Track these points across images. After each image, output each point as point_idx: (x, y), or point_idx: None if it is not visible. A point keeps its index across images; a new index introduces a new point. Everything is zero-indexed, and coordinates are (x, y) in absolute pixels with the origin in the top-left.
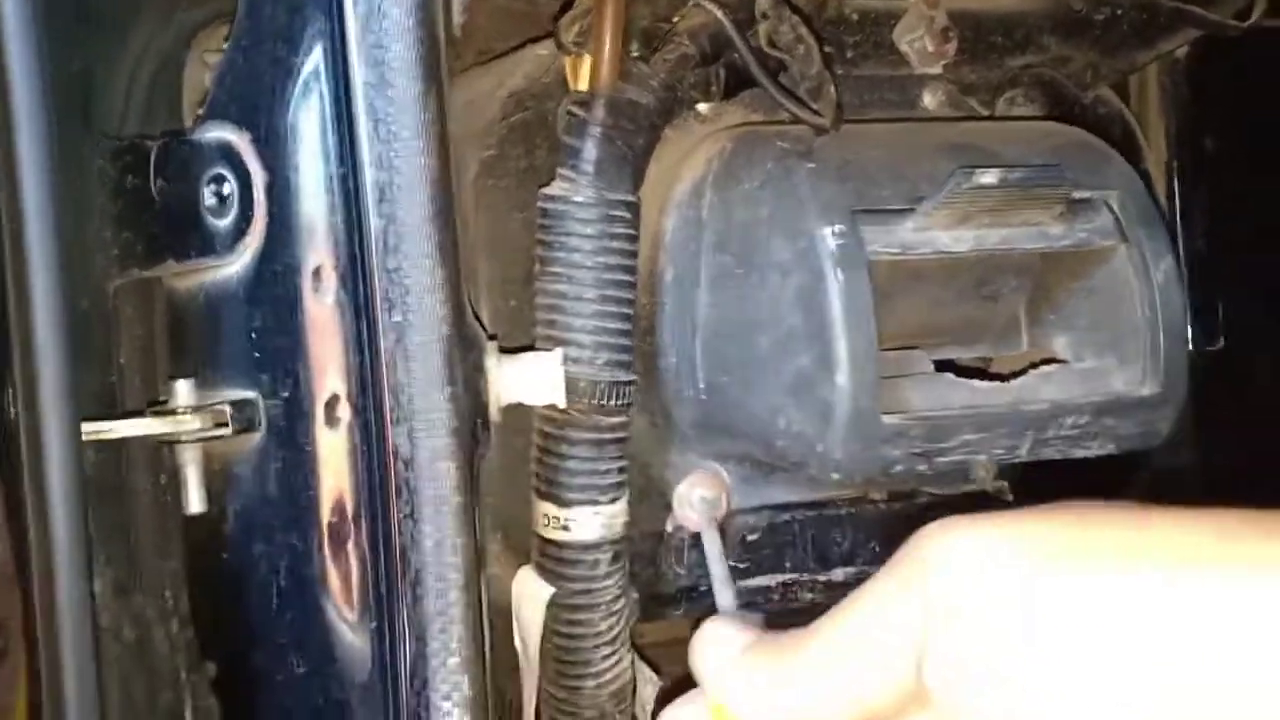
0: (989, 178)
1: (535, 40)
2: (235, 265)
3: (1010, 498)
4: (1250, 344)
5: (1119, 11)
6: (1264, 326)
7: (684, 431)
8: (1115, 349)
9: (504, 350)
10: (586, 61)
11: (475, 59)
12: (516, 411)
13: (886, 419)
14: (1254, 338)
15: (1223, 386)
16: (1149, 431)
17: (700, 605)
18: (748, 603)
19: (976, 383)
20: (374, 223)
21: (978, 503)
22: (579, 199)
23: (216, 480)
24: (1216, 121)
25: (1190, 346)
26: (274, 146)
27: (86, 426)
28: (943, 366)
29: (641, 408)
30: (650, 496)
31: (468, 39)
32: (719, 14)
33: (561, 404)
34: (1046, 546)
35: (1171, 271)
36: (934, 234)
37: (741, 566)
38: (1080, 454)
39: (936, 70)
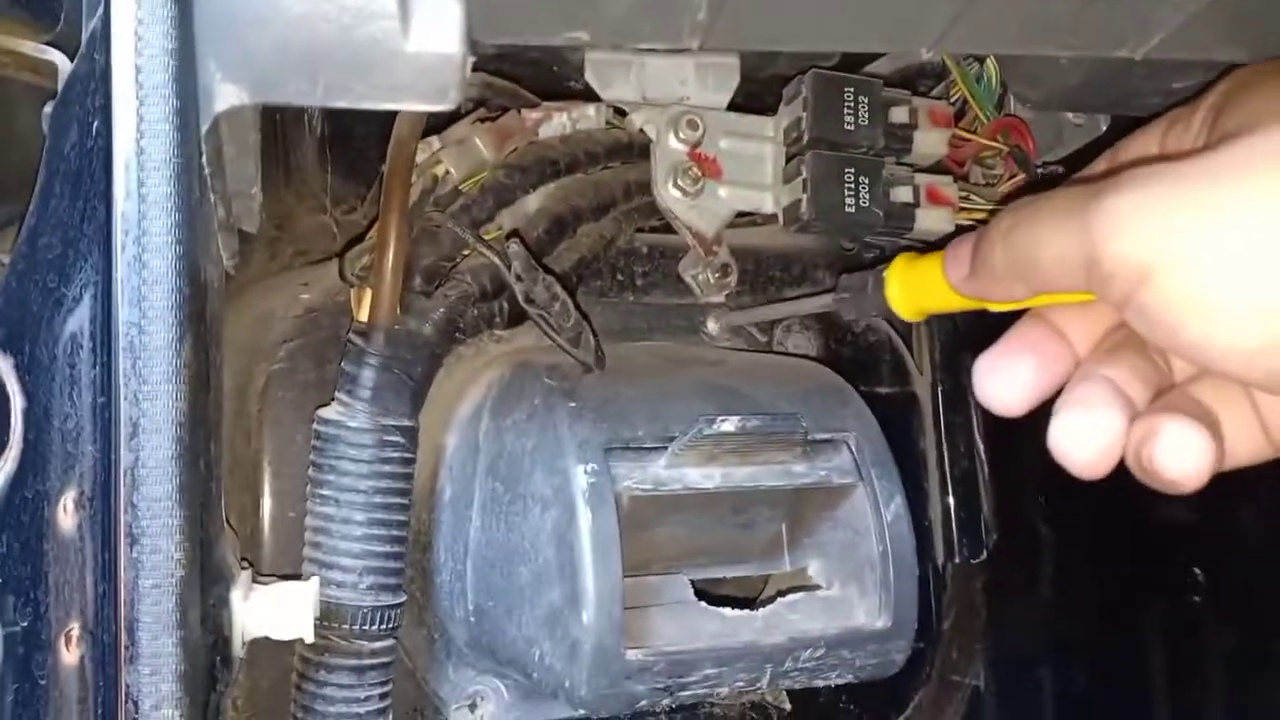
0: (728, 425)
1: (338, 255)
2: None
3: (787, 706)
4: (1012, 552)
5: (885, 252)
6: (1025, 533)
7: (459, 648)
8: (858, 579)
9: (265, 576)
10: (368, 294)
11: (293, 259)
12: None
13: (630, 655)
14: (1014, 546)
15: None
16: (884, 662)
17: None
18: None
19: (726, 611)
20: (124, 458)
21: (760, 712)
22: (353, 424)
23: None
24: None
25: (958, 559)
26: (36, 374)
27: None
28: (707, 586)
29: (420, 622)
30: (425, 712)
31: (285, 241)
32: (496, 260)
33: (308, 639)
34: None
35: (901, 510)
36: (685, 471)
37: None
38: (820, 684)
39: (719, 299)
